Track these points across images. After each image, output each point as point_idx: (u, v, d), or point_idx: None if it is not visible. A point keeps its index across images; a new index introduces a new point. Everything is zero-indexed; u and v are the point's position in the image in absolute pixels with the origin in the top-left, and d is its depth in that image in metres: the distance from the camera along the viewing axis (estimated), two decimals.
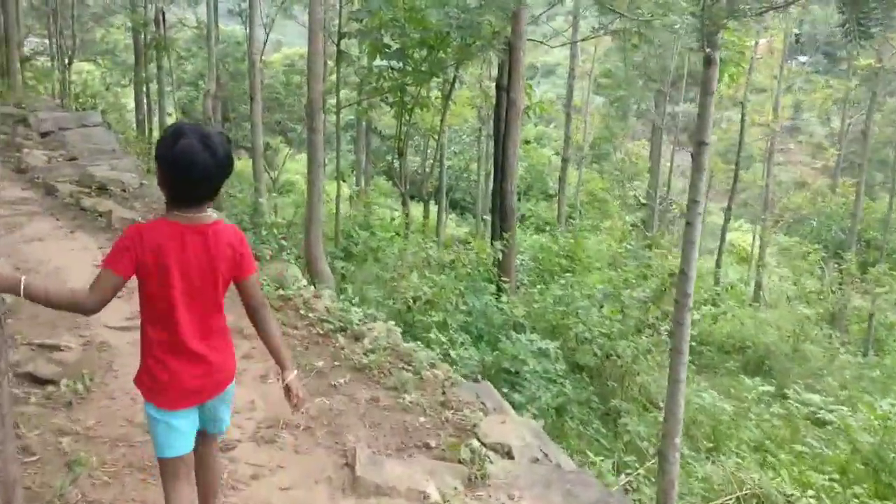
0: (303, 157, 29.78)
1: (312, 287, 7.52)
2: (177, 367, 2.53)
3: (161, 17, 15.44)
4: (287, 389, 2.75)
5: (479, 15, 11.22)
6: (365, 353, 5.54)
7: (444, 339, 7.58)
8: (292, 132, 28.27)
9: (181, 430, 2.60)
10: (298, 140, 30.48)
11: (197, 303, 2.52)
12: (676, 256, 12.90)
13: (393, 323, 6.23)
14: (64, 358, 4.96)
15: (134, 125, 19.14)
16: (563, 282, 12.34)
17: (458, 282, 9.75)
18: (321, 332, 5.96)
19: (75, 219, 8.23)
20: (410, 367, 5.48)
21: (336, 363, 5.41)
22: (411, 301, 9.04)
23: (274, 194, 15.78)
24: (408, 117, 14.19)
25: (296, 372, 2.80)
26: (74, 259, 6.73)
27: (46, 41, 21.46)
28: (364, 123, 21.40)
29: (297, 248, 9.25)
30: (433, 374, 5.40)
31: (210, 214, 2.52)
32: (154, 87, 17.42)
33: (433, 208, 18.47)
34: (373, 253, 10.98)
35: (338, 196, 13.16)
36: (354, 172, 23.59)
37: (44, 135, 11.50)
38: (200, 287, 2.51)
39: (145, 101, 18.54)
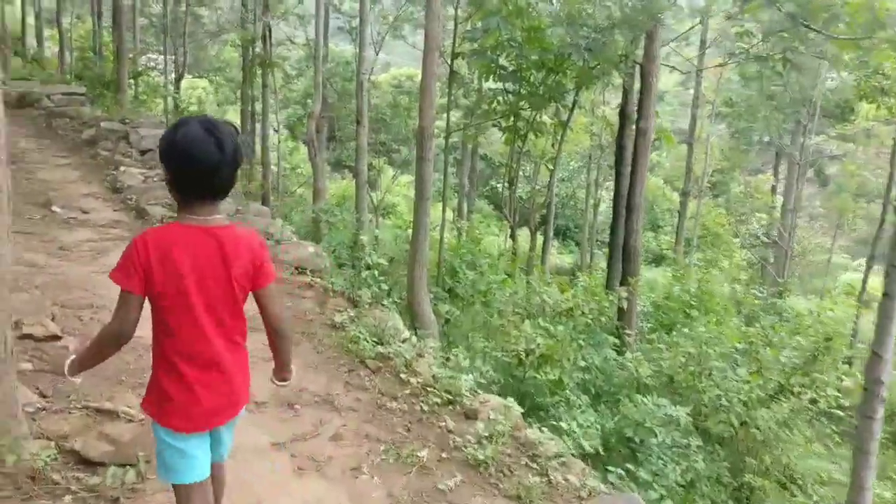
0: (406, 178, 29.49)
1: (415, 337, 6.53)
2: (196, 383, 2.29)
3: (267, 34, 14.96)
4: (282, 380, 2.69)
5: (610, 35, 10.06)
6: (479, 442, 4.47)
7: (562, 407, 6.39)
8: (396, 153, 27.78)
9: (195, 455, 2.36)
10: (402, 161, 30.17)
11: (216, 311, 2.29)
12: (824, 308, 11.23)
13: (512, 399, 5.12)
14: (119, 433, 4.11)
15: None
16: (686, 330, 10.95)
17: (577, 333, 8.56)
18: (425, 406, 4.93)
19: None
20: (535, 466, 4.38)
21: (444, 454, 4.36)
22: (523, 354, 7.91)
23: (371, 219, 15.03)
24: (521, 144, 13.13)
25: (292, 375, 2.69)
26: None
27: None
28: (470, 147, 20.54)
29: (397, 287, 8.33)
30: (565, 479, 4.26)
31: (223, 218, 2.29)
32: (260, 105, 17.07)
33: (539, 237, 17.33)
34: (480, 295, 9.94)
35: (442, 225, 12.22)
36: (457, 195, 22.74)
37: (143, 152, 11.07)
38: (217, 294, 2.27)
39: (250, 119, 18.24)
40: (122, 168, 10.11)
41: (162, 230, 2.25)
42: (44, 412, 4.05)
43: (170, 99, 15.29)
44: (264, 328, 2.48)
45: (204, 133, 2.17)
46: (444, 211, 13.06)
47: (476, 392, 5.31)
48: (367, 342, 5.57)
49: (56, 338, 4.83)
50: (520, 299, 9.51)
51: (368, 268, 7.42)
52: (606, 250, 15.68)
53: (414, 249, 8.33)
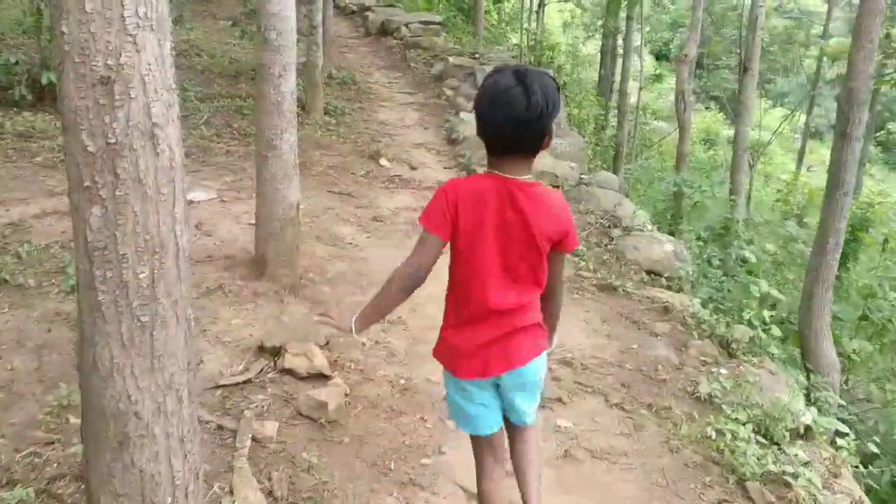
0: (779, 112, 25.12)
1: (813, 413, 4.31)
2: (472, 330, 2.23)
3: None
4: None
5: None
6: None
7: None
8: (771, 83, 23.60)
9: (475, 403, 2.32)
10: (777, 93, 25.72)
11: (511, 265, 2.19)
12: None
13: None
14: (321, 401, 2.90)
15: (595, 85, 16.85)
16: None
17: None
18: None
19: None
20: None
21: None
22: None
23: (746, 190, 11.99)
24: None
25: (556, 339, 2.52)
26: None
27: None
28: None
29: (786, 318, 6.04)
30: None
31: (532, 178, 2.17)
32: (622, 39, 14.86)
33: None
34: None
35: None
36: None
37: None
38: (514, 249, 2.17)
39: (609, 56, 16.13)
40: (461, 114, 8.96)
41: (469, 180, 2.25)
42: None
43: (525, 30, 13.73)
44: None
45: (514, 82, 2.04)
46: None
47: None
48: (748, 445, 3.59)
49: (323, 378, 3.65)
50: None
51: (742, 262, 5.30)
52: None
53: (818, 262, 5.95)
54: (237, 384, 3.56)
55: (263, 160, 4.42)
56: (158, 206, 1.69)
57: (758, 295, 4.45)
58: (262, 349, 3.80)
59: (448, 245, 2.19)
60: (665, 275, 5.38)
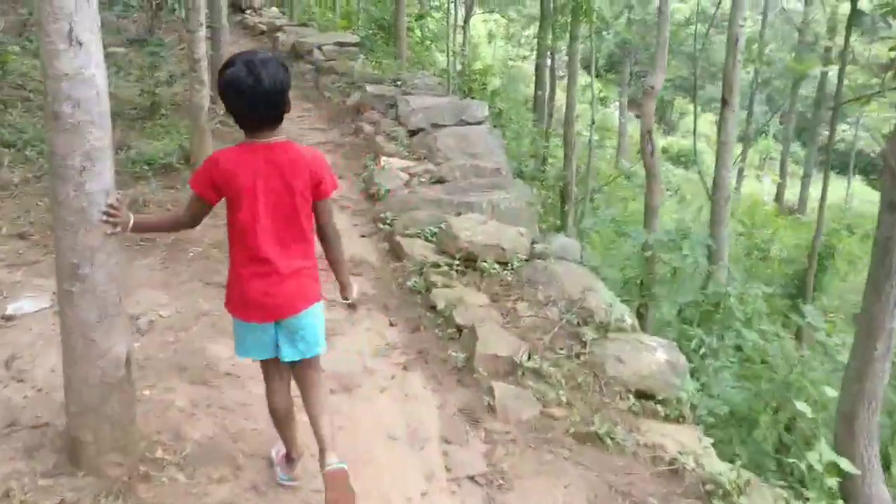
0: (709, 117, 23.92)
1: None
2: (251, 279, 2.64)
3: None
4: (345, 299, 2.95)
5: None
6: None
7: None
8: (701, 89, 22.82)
9: (250, 338, 2.75)
10: (706, 98, 24.90)
11: (275, 216, 2.60)
12: None
13: None
14: None
15: (531, 108, 15.31)
16: None
17: None
18: None
19: (416, 325, 4.74)
20: None
21: None
22: None
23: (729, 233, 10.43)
24: None
25: (355, 287, 2.97)
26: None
27: None
28: None
29: None
30: None
31: (281, 137, 2.62)
32: (562, 58, 13.45)
33: None
34: None
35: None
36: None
37: (412, 133, 8.38)
38: (277, 200, 2.59)
39: (548, 76, 14.70)
40: (382, 160, 7.49)
41: (230, 149, 2.63)
42: None
43: (453, 52, 12.20)
44: (318, 237, 2.77)
45: (245, 69, 2.47)
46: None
47: None
48: None
49: None
50: None
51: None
52: None
53: (860, 372, 4.61)
54: None
55: (66, 298, 2.85)
56: None
57: (820, 468, 3.12)
58: None
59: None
60: (660, 397, 4.00)
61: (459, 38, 16.22)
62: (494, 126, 9.70)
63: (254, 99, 2.46)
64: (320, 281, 2.79)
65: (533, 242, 5.66)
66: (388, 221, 6.05)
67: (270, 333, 2.69)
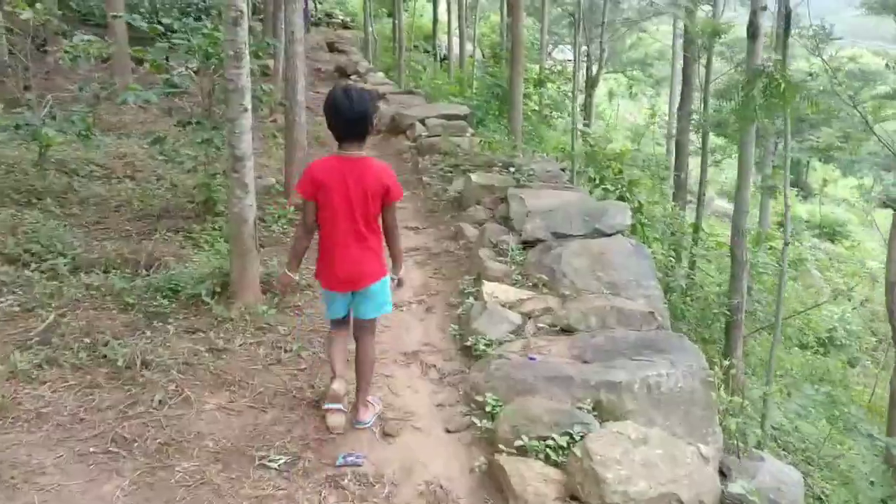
0: (848, 182, 20.47)
1: None
2: (331, 259, 3.62)
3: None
4: (399, 281, 3.86)
5: None
6: None
7: None
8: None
9: (334, 303, 3.82)
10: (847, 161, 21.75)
11: (352, 213, 3.52)
12: None
13: None
14: None
15: (670, 198, 12.17)
16: None
17: None
18: None
19: None
20: None
21: None
22: None
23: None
24: None
25: (403, 270, 3.87)
26: None
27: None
28: None
29: None
30: None
31: (363, 154, 3.55)
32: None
33: None
34: None
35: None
36: None
37: (526, 244, 6.28)
38: (354, 201, 3.50)
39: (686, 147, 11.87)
40: (484, 287, 5.42)
41: (323, 160, 3.59)
42: None
43: (579, 132, 9.96)
44: (383, 231, 3.71)
45: (343, 94, 3.44)
46: None
47: None
48: None
49: None
50: None
51: None
52: None
53: None
54: None
55: None
56: None
57: None
58: None
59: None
60: None
61: (580, 99, 14.15)
62: (633, 233, 7.43)
63: (344, 116, 3.43)
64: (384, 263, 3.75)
65: (722, 472, 3.40)
66: (488, 412, 3.94)
67: (349, 299, 3.77)
